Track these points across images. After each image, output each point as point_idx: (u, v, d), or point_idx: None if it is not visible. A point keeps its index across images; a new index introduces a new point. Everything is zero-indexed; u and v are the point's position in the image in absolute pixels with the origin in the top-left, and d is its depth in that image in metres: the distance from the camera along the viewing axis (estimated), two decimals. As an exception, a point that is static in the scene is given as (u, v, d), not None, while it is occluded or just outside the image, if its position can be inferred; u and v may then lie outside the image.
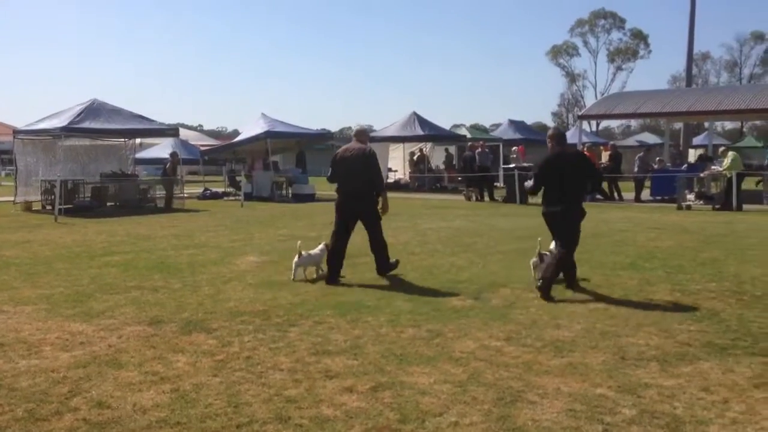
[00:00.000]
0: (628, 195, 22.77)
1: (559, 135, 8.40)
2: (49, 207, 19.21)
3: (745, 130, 69.70)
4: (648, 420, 4.02)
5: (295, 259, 8.44)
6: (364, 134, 9.23)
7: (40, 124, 20.37)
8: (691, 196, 20.30)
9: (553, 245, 8.15)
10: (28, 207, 19.98)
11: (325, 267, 8.55)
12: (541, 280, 7.39)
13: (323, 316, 6.55)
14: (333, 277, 8.37)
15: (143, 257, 10.38)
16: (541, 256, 8.00)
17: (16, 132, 21.54)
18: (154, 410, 4.19)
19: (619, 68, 79.89)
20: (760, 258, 9.89)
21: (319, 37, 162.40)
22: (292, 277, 8.41)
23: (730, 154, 19.86)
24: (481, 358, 5.23)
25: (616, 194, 22.85)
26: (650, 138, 48.21)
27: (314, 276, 8.57)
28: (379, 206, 8.76)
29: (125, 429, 3.92)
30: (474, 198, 23.54)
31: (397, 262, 8.94)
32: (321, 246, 8.74)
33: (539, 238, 8.45)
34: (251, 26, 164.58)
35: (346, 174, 8.69)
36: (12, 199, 20.70)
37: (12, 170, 25.71)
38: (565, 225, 7.78)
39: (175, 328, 6.12)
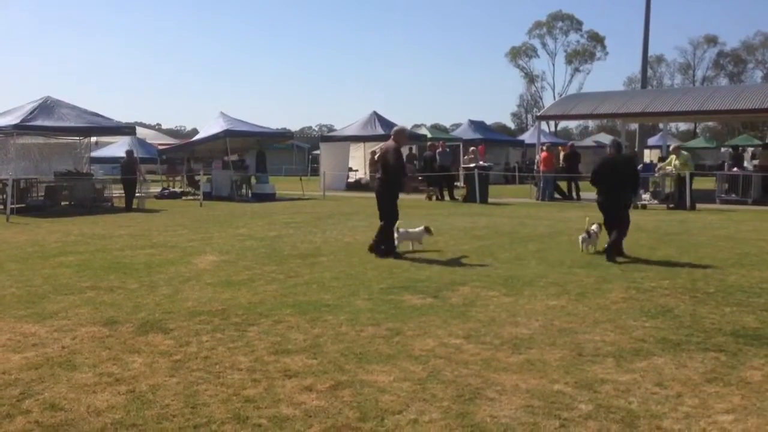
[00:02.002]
0: (588, 195, 23.09)
1: (617, 144, 11.07)
2: (0, 206, 18.73)
3: (698, 131, 71.35)
4: (604, 415, 4.08)
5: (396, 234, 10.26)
6: (399, 133, 10.67)
7: (-9, 122, 19.86)
8: (646, 196, 20.69)
9: (595, 226, 10.58)
10: (-22, 206, 19.47)
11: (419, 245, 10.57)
12: (608, 246, 9.80)
13: (282, 315, 6.51)
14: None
15: (99, 257, 10.19)
16: (588, 233, 10.36)
17: (-35, 129, 20.97)
18: (109, 412, 4.11)
19: (576, 70, 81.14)
20: (713, 255, 10.12)
21: (281, 37, 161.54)
22: (396, 244, 10.28)
23: (682, 153, 20.34)
24: (441, 355, 5.25)
25: (574, 194, 23.17)
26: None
27: (410, 248, 10.48)
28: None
29: (79, 431, 3.84)
30: (434, 197, 23.66)
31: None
32: (421, 228, 10.71)
33: (587, 217, 10.98)
34: (210, 25, 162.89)
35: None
36: (-39, 198, 20.15)
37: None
38: (607, 212, 10.33)
39: (132, 329, 6.02)
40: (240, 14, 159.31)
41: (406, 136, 10.98)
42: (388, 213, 10.32)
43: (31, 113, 19.21)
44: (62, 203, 20.36)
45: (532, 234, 12.93)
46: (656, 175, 21.07)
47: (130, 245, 11.56)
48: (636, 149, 33.36)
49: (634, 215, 17.34)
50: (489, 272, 8.77)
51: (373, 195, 10.89)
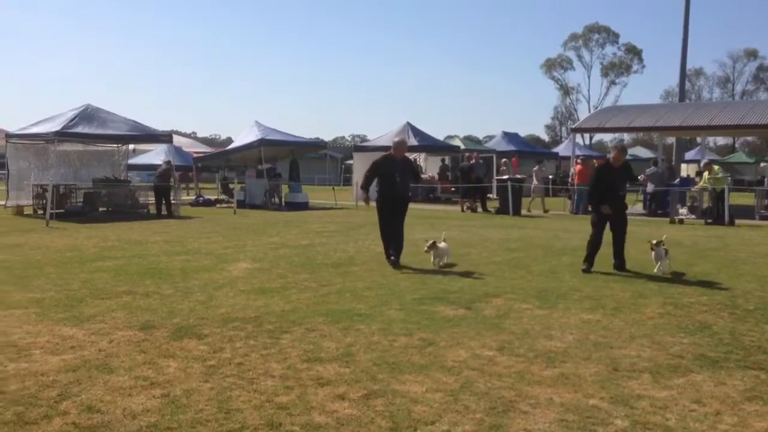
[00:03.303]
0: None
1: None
2: (40, 211, 19.12)
3: (737, 145, 70.16)
4: (640, 431, 4.01)
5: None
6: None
7: (33, 129, 20.32)
8: (683, 210, 20.38)
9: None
10: (19, 211, 19.91)
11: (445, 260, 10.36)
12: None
13: (315, 323, 6.53)
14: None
15: (135, 263, 10.34)
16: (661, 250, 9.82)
17: (8, 136, 21.49)
18: (144, 415, 4.15)
19: (612, 82, 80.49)
20: (752, 272, 9.92)
21: (315, 47, 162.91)
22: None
23: (714, 168, 20.03)
24: (474, 367, 5.21)
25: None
26: (643, 152, 48.50)
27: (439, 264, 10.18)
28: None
29: (115, 434, 3.89)
30: (468, 209, 23.57)
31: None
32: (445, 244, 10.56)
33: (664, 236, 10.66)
34: (246, 35, 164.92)
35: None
36: (3, 203, 20.63)
37: (3, 174, 25.58)
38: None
39: (167, 334, 6.08)
40: (275, 23, 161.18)
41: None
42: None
43: (71, 120, 19.58)
44: (100, 209, 20.69)
45: (566, 247, 12.80)
46: (693, 189, 20.75)
47: (165, 251, 11.71)
48: (673, 163, 32.86)
49: (672, 230, 17.18)
50: (522, 285, 8.70)
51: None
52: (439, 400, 4.47)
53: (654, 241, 9.75)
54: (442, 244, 10.39)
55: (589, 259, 9.95)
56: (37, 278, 8.82)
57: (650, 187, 21.32)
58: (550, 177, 25.84)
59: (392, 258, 10.18)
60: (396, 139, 11.36)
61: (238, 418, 4.12)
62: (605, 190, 10.05)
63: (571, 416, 4.22)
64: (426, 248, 10.26)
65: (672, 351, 5.72)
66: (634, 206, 23.52)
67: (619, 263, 10.02)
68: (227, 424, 4.04)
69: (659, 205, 21.61)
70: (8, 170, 21.25)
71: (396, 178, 10.33)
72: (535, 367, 5.23)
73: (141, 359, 5.31)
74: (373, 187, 10.73)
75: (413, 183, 10.97)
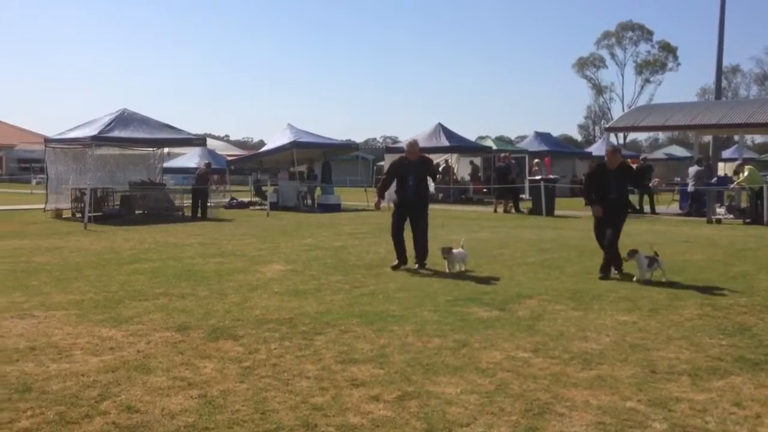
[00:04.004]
0: (661, 209, 22.52)
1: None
2: (78, 214, 19.47)
3: (775, 143, 68.71)
4: (679, 434, 3.96)
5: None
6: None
7: (70, 133, 20.71)
8: (721, 210, 20.03)
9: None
10: (58, 214, 20.28)
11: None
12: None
13: (349, 324, 6.55)
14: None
15: (171, 265, 10.48)
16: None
17: (47, 140, 21.95)
18: (182, 415, 4.21)
19: (647, 81, 79.29)
20: (793, 273, 9.71)
21: (347, 49, 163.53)
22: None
23: (747, 167, 19.62)
24: (508, 369, 5.19)
25: (647, 207, 22.60)
26: (679, 151, 47.78)
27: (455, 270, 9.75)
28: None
29: (154, 433, 3.95)
30: (502, 209, 23.44)
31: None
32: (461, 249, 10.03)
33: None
34: (278, 38, 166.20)
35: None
36: (43, 206, 21.05)
37: (43, 178, 26.12)
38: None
39: (203, 335, 6.16)
40: (307, 27, 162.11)
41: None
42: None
43: (108, 125, 19.90)
44: (136, 212, 21.00)
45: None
46: (731, 188, 20.39)
47: (200, 253, 11.85)
48: (710, 162, 32.33)
49: (709, 230, 16.91)
50: (556, 286, 8.63)
51: (437, 206, 10.89)
52: (474, 402, 4.46)
53: (629, 250, 9.03)
54: (457, 250, 9.92)
55: (604, 266, 9.43)
56: (77, 280, 8.99)
57: (691, 186, 20.98)
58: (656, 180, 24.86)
59: (397, 264, 9.98)
60: (409, 140, 10.96)
61: (274, 419, 4.16)
62: (597, 191, 9.57)
63: (608, 419, 4.18)
64: (442, 254, 9.80)
65: (711, 353, 5.63)
66: (670, 206, 23.18)
67: (603, 272, 9.35)
68: (263, 424, 4.08)
69: (699, 205, 21.24)
70: (47, 174, 21.69)
71: (409, 182, 10.11)
72: (570, 368, 5.19)
73: (178, 360, 5.39)
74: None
75: (435, 183, 10.76)
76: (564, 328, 6.43)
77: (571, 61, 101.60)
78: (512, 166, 24.53)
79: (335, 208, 24.29)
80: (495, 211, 23.49)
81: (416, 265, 10.04)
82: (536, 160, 27.97)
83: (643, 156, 28.79)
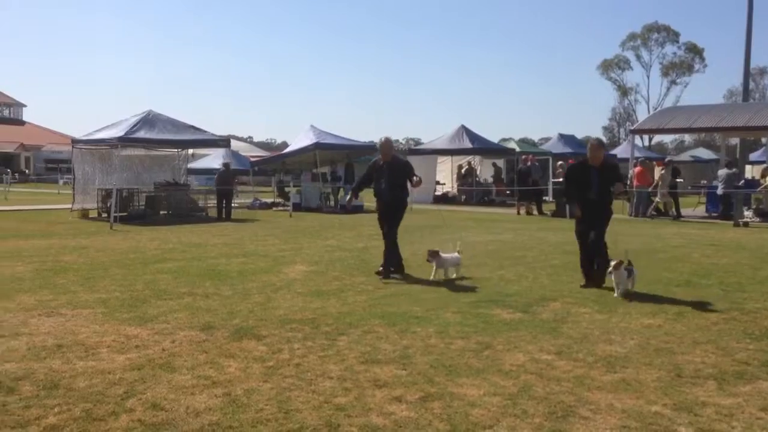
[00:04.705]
0: (687, 211, 22.24)
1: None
2: (104, 215, 19.69)
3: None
4: (705, 439, 3.91)
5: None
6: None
7: (97, 134, 20.95)
8: (748, 213, 19.75)
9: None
10: (84, 214, 20.51)
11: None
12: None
13: (372, 325, 6.56)
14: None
15: (195, 264, 10.56)
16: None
17: (74, 141, 22.24)
18: (207, 413, 4.25)
19: (673, 82, 78.32)
20: (822, 277, 9.55)
21: (370, 51, 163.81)
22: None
23: None
24: (532, 371, 5.16)
25: (673, 210, 22.35)
26: (705, 153, 47.19)
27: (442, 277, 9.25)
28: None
29: (179, 431, 3.99)
30: (524, 211, 23.32)
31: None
32: (455, 254, 9.55)
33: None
34: (302, 40, 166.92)
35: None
36: (69, 206, 21.32)
37: (70, 179, 26.46)
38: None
39: (227, 334, 6.20)
40: (329, 29, 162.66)
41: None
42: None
43: (134, 126, 20.10)
44: (161, 212, 21.19)
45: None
46: (759, 191, 20.10)
47: (224, 254, 11.93)
48: (737, 165, 31.91)
49: (736, 233, 16.68)
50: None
51: (460, 208, 10.80)
52: (497, 404, 4.44)
53: (613, 262, 8.14)
54: (449, 254, 9.42)
55: (587, 274, 8.78)
56: (103, 279, 9.09)
57: (721, 189, 20.72)
58: (679, 181, 24.10)
59: (380, 269, 9.49)
60: (381, 139, 10.16)
61: (298, 419, 4.18)
62: (578, 190, 8.82)
63: (633, 423, 4.14)
64: (427, 258, 9.27)
65: (738, 357, 5.56)
66: (696, 208, 22.91)
67: (586, 280, 8.71)
68: (287, 424, 4.10)
69: (727, 208, 20.95)
70: (74, 175, 21.98)
71: (382, 184, 9.67)
72: (594, 372, 5.15)
73: (202, 359, 5.43)
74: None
75: (413, 186, 9.75)
76: (588, 331, 6.39)
77: (595, 62, 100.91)
78: (535, 168, 24.39)
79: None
80: (518, 213, 23.38)
81: (378, 271, 9.50)
82: (560, 162, 27.78)
83: (668, 158, 28.41)
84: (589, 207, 8.67)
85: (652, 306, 7.53)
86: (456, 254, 9.51)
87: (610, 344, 5.94)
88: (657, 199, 21.60)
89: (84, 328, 6.42)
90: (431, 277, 9.17)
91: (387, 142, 10.07)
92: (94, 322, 6.67)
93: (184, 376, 5.00)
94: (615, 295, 7.99)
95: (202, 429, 4.02)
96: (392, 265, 9.57)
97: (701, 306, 7.55)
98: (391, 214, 9.75)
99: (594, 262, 8.69)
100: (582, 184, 8.70)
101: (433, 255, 9.20)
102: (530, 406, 4.42)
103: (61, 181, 43.74)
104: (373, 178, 9.82)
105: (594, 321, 6.82)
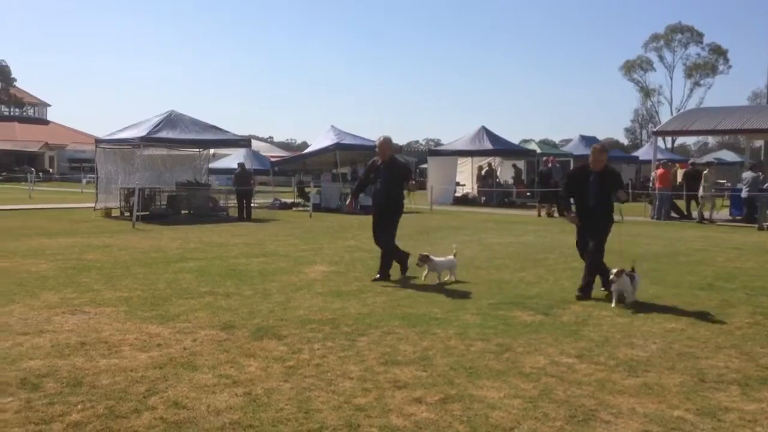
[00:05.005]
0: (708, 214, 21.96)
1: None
2: (127, 213, 19.87)
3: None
4: (729, 445, 3.87)
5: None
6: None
7: (120, 134, 21.17)
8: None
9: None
10: (107, 213, 20.73)
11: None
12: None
13: (392, 326, 6.56)
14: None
15: (216, 264, 10.63)
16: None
17: (97, 141, 22.48)
18: (228, 412, 4.27)
19: (696, 84, 77.60)
20: None
21: (390, 52, 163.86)
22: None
23: None
24: (552, 374, 5.14)
25: (695, 213, 22.10)
26: (729, 156, 46.67)
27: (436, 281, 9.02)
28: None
29: (200, 429, 4.01)
30: (545, 213, 23.19)
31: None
32: (451, 256, 9.30)
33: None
34: (322, 42, 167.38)
35: None
36: (93, 205, 21.55)
37: (93, 178, 26.74)
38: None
39: (247, 334, 6.24)
40: (349, 30, 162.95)
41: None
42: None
43: (156, 126, 20.29)
44: (182, 212, 21.34)
45: (647, 253, 12.44)
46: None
47: (244, 253, 12.00)
48: (762, 167, 31.50)
49: (761, 237, 16.46)
50: (601, 291, 8.50)
51: (480, 209, 10.73)
52: (518, 407, 4.43)
53: (614, 271, 7.66)
54: (444, 258, 9.22)
55: (584, 287, 8.20)
56: (125, 278, 9.18)
57: (745, 192, 20.46)
58: (723, 181, 23.60)
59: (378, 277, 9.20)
60: (379, 138, 9.74)
61: (318, 418, 4.19)
62: (577, 197, 8.35)
63: (655, 427, 4.11)
64: (417, 261, 9.08)
65: (762, 362, 5.49)
66: (720, 211, 22.65)
67: (583, 290, 8.15)
68: (307, 423, 4.11)
69: (751, 211, 20.69)
70: (97, 174, 22.22)
71: (377, 185, 9.36)
72: (616, 375, 5.12)
73: (223, 358, 5.46)
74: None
75: (408, 188, 9.53)
76: (609, 334, 6.34)
77: (617, 64, 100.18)
78: (555, 170, 24.26)
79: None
80: (538, 215, 23.25)
81: (376, 276, 9.25)
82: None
83: (692, 160, 28.12)
84: (587, 214, 8.22)
85: (675, 310, 7.46)
86: (451, 257, 9.29)
87: (632, 348, 5.89)
88: (700, 200, 21.30)
89: (107, 326, 6.49)
90: (422, 281, 9.00)
91: (384, 142, 9.56)
92: (117, 320, 6.73)
93: (205, 374, 5.03)
94: (612, 305, 7.54)
95: (223, 427, 4.04)
96: (404, 266, 9.51)
97: (725, 310, 7.47)
98: (386, 217, 9.41)
99: (594, 273, 8.18)
100: (580, 190, 8.25)
101: (423, 259, 9.02)
102: (551, 409, 4.40)
103: (84, 180, 44.19)
104: (372, 178, 9.52)
105: (615, 324, 6.77)
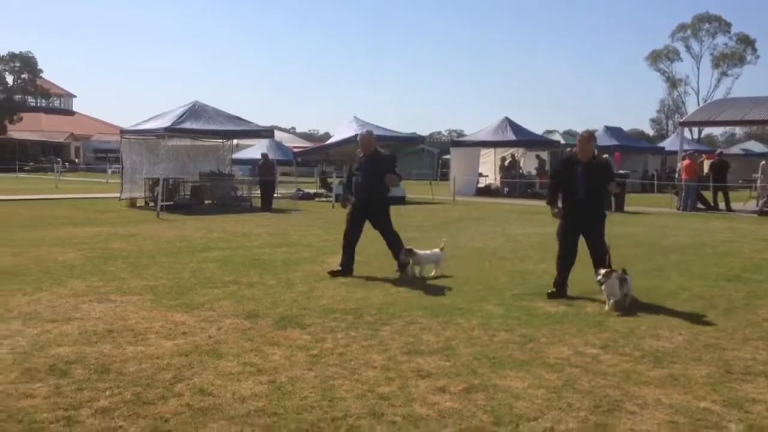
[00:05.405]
0: (737, 206, 21.69)
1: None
2: (151, 204, 20.05)
3: None
4: (756, 437, 3.83)
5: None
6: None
7: (145, 125, 21.34)
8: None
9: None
10: (132, 203, 20.92)
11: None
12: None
13: (414, 316, 6.57)
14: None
15: (239, 254, 10.70)
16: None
17: (122, 132, 22.70)
18: (253, 400, 4.31)
19: (724, 74, 76.36)
20: None
21: (412, 43, 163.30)
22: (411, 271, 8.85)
23: None
24: (577, 364, 5.11)
25: (723, 204, 21.83)
26: (756, 146, 45.99)
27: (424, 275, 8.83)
28: None
29: (226, 416, 4.05)
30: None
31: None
32: (437, 249, 9.08)
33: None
34: (345, 31, 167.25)
35: None
36: (118, 195, 21.78)
37: (118, 168, 27.01)
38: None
39: (271, 323, 6.28)
40: (371, 20, 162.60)
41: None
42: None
43: (180, 117, 20.42)
44: (205, 202, 21.49)
45: (673, 245, 12.32)
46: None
47: (268, 243, 12.06)
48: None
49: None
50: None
51: (503, 200, 10.65)
52: (542, 397, 4.41)
53: (602, 271, 7.06)
54: (430, 251, 8.97)
55: (558, 281, 7.66)
56: (150, 267, 9.27)
57: (760, 182, 20.16)
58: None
59: (336, 270, 8.84)
60: (361, 132, 9.23)
61: (342, 407, 4.21)
62: (565, 190, 7.76)
63: (681, 418, 4.08)
64: (403, 257, 8.82)
65: (790, 355, 5.42)
66: (747, 203, 22.35)
67: (556, 289, 7.62)
68: (331, 411, 4.13)
69: None
70: (122, 164, 22.44)
71: (359, 179, 9.02)
72: (641, 366, 5.08)
73: (248, 346, 5.50)
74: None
75: (391, 185, 9.06)
76: (635, 325, 6.29)
77: (643, 54, 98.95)
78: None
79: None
80: (562, 206, 23.07)
81: (397, 271, 8.93)
82: (605, 156, 27.32)
83: (719, 151, 27.75)
84: (575, 208, 7.61)
85: (702, 301, 7.38)
86: (437, 251, 9.02)
87: (658, 339, 5.84)
88: (757, 190, 20.95)
89: (133, 314, 6.56)
90: (408, 274, 8.74)
91: (366, 136, 9.23)
92: (143, 308, 6.81)
93: (230, 362, 5.07)
94: (606, 308, 6.93)
95: (249, 414, 4.08)
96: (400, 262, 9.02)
97: (753, 302, 7.39)
98: (373, 212, 9.07)
99: (569, 271, 7.67)
100: (568, 182, 7.68)
101: (409, 253, 8.74)
102: (575, 399, 4.38)
103: (109, 171, 44.65)
104: (355, 172, 9.14)
105: (640, 315, 6.71)
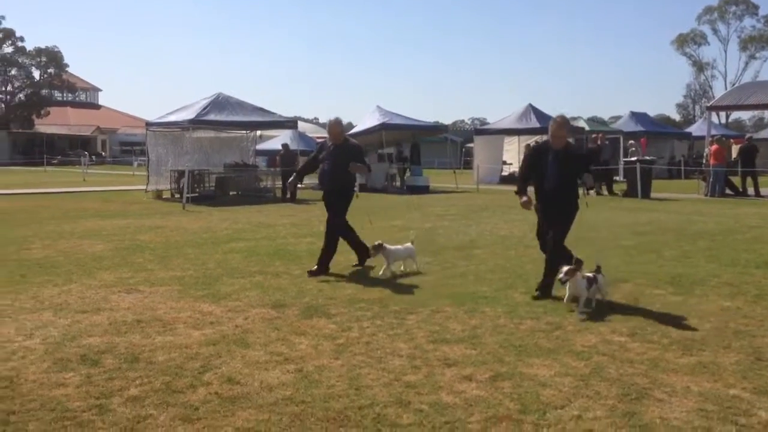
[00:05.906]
0: (766, 191, 21.34)
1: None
2: (177, 195, 20.22)
3: None
4: (788, 425, 3.78)
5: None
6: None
7: (169, 117, 21.52)
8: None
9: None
10: (158, 195, 21.15)
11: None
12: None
13: (440, 305, 6.56)
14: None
15: (264, 244, 10.77)
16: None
17: (148, 124, 22.90)
18: (280, 388, 4.34)
19: (752, 57, 75.03)
20: None
21: (435, 32, 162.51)
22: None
23: None
24: (604, 352, 5.08)
25: (751, 189, 21.50)
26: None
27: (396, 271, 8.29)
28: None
29: (254, 404, 4.09)
30: (594, 192, 22.81)
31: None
32: (409, 243, 8.49)
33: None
34: (368, 20, 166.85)
35: None
36: (144, 187, 21.99)
37: (144, 160, 27.26)
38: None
39: (297, 312, 6.31)
40: (394, 9, 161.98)
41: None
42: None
43: (204, 109, 20.55)
44: (230, 193, 21.62)
45: (702, 231, 12.17)
46: None
47: (292, 233, 12.12)
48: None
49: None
50: (653, 269, 8.37)
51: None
52: (569, 385, 4.40)
53: (564, 269, 6.38)
54: (400, 246, 8.45)
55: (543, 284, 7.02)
56: (177, 258, 9.37)
57: None
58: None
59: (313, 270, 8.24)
60: (329, 120, 9.03)
61: (368, 395, 4.23)
62: (534, 177, 7.20)
63: (711, 406, 4.04)
64: (371, 251, 8.32)
65: (823, 342, 5.34)
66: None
67: (541, 289, 6.96)
68: (358, 400, 4.16)
69: None
70: (148, 156, 22.66)
71: (324, 167, 8.71)
72: (670, 354, 5.04)
73: (275, 336, 5.55)
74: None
75: (350, 170, 8.58)
76: (662, 313, 6.23)
77: (669, 38, 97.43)
78: (605, 148, 23.80)
79: (424, 189, 24.28)
80: (586, 194, 22.88)
81: (313, 268, 8.29)
82: (631, 142, 27.08)
83: (748, 135, 27.31)
84: (545, 199, 7.05)
85: (731, 288, 7.29)
86: (408, 245, 8.47)
87: (686, 326, 5.78)
88: None
89: (161, 304, 6.64)
90: (380, 273, 8.18)
91: (334, 124, 8.81)
92: (171, 298, 6.89)
93: (257, 351, 5.12)
94: (564, 301, 6.48)
95: (276, 403, 4.11)
96: (362, 256, 8.85)
97: (783, 288, 7.27)
98: (331, 200, 8.79)
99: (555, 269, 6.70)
100: (538, 171, 7.11)
101: (377, 248, 8.17)
102: (603, 387, 4.36)
103: (135, 163, 45.11)
104: (321, 160, 8.76)
105: (668, 303, 6.65)
